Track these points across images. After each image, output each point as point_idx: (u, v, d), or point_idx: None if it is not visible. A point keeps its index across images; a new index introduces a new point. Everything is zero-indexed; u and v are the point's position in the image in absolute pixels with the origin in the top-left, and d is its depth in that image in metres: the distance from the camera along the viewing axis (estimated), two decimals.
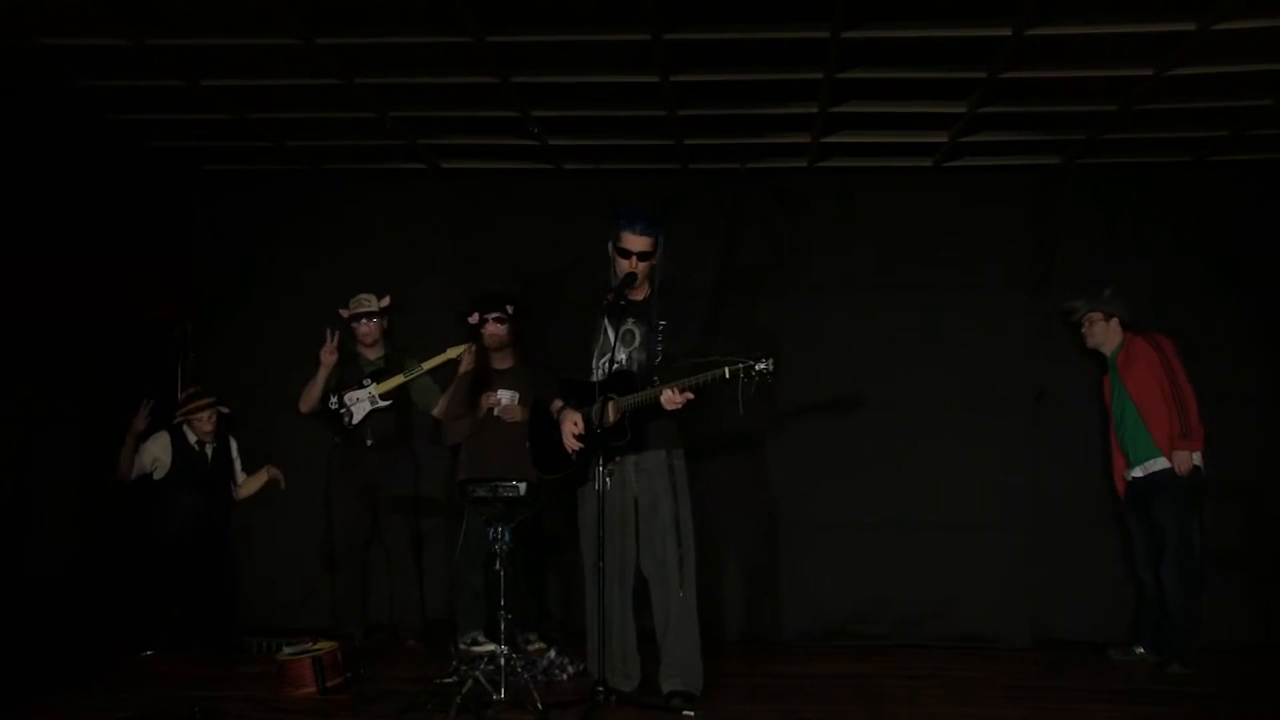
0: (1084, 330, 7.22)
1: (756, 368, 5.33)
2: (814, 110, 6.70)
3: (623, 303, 5.71)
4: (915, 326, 7.75)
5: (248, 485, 7.62)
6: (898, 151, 7.52)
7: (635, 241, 5.67)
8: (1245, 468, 7.47)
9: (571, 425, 5.70)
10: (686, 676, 5.66)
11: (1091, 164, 7.66)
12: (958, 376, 7.70)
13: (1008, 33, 5.59)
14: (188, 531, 7.30)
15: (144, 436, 7.36)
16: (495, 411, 7.16)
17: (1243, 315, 7.63)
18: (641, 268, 5.70)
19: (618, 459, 5.68)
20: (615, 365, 5.67)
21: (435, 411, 7.47)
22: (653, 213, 5.75)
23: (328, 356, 7.29)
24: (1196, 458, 6.83)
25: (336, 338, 7.32)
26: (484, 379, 7.21)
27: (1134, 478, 7.05)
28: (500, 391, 7.18)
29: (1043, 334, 7.72)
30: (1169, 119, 6.87)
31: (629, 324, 5.74)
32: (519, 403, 7.11)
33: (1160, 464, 6.90)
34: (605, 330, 5.77)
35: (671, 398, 5.45)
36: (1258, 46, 5.78)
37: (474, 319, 7.24)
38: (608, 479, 5.60)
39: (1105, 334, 7.15)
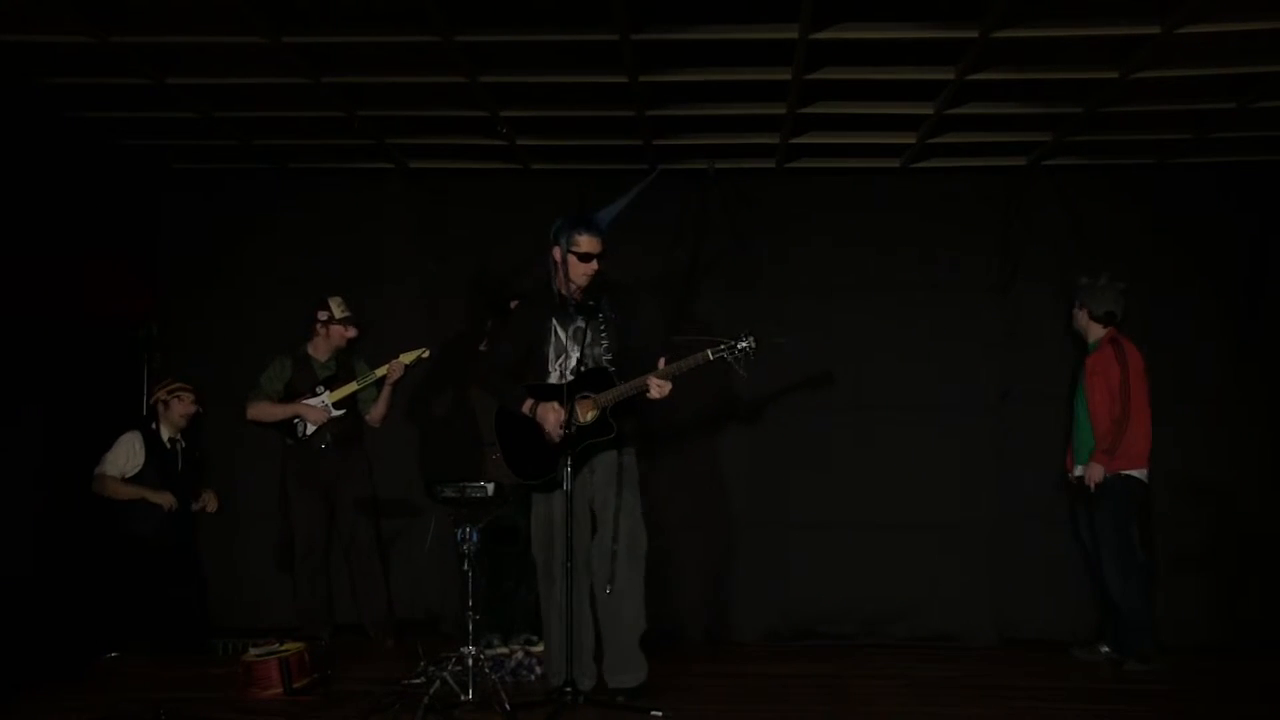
0: (1074, 311, 7.21)
1: (739, 346, 5.56)
2: (782, 111, 6.71)
3: (569, 305, 5.75)
4: (882, 327, 7.79)
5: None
6: (866, 152, 7.54)
7: (592, 243, 5.68)
8: (1209, 468, 7.54)
9: (555, 415, 5.64)
10: (628, 671, 5.74)
11: (1057, 165, 7.71)
12: (924, 376, 7.74)
13: (975, 35, 5.62)
14: (158, 531, 7.23)
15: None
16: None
17: (1206, 316, 7.70)
18: (595, 267, 5.71)
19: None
20: (583, 365, 5.69)
21: (370, 417, 7.43)
22: (597, 215, 5.80)
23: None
24: (1141, 473, 6.86)
25: None
26: None
27: (1077, 477, 7.09)
28: None
29: (1009, 334, 7.78)
30: (1133, 121, 6.93)
31: (579, 322, 5.75)
32: None
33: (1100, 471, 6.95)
34: (555, 332, 5.79)
35: (660, 385, 5.50)
36: (1220, 50, 5.85)
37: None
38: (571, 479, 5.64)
39: (1082, 323, 7.14)
